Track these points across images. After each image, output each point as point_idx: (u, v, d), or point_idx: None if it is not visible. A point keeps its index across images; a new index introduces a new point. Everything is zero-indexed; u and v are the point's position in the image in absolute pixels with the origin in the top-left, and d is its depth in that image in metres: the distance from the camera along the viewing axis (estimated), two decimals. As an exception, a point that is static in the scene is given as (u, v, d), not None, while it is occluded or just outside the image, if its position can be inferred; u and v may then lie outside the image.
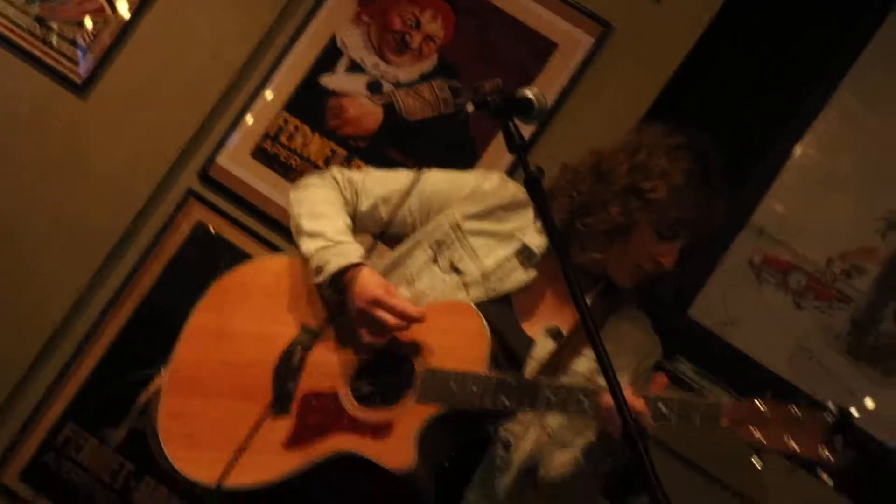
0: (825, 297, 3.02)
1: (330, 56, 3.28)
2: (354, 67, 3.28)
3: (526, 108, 2.09)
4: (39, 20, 3.38)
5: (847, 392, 2.92)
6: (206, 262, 3.26)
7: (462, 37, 3.27)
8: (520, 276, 2.32)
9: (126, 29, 3.35)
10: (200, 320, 2.42)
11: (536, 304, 2.36)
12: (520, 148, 2.06)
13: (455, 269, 2.37)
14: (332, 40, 3.29)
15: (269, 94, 3.30)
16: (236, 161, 3.29)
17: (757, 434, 1.95)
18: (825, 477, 1.90)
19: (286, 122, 3.29)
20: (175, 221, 3.30)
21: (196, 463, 2.24)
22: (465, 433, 2.24)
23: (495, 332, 2.19)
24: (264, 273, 2.46)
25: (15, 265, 3.37)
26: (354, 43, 3.29)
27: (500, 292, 2.30)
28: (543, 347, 2.28)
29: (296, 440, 2.26)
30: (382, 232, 2.49)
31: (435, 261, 2.39)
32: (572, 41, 3.17)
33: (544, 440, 2.29)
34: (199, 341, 2.41)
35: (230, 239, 3.27)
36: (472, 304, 2.24)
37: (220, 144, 3.31)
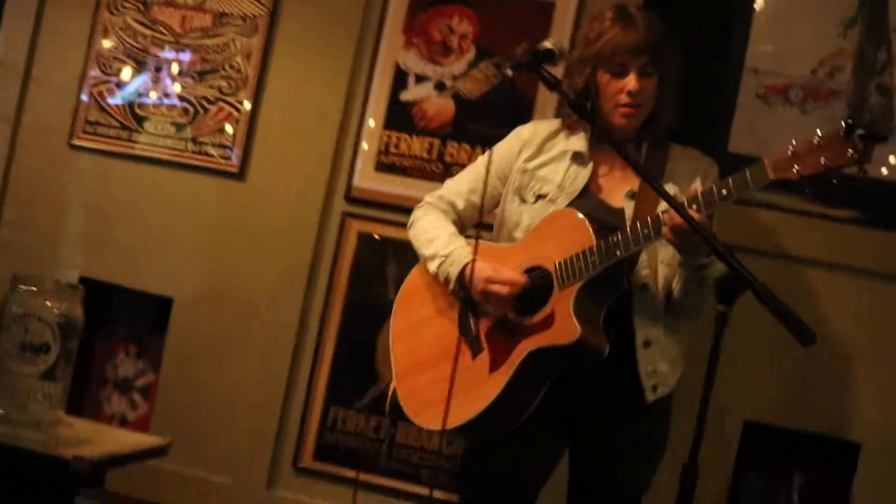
0: (821, 98, 3.23)
1: (400, 78, 3.58)
2: (420, 79, 3.56)
3: (550, 56, 2.34)
4: (193, 140, 3.71)
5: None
6: (376, 259, 3.54)
7: (486, 25, 3.50)
8: (584, 173, 2.51)
9: (252, 119, 3.65)
10: (399, 325, 2.69)
11: (605, 183, 2.53)
12: (556, 86, 2.33)
13: (541, 197, 2.53)
14: (397, 66, 3.58)
15: (371, 122, 3.58)
16: (367, 177, 3.59)
17: (796, 168, 2.11)
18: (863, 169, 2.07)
19: (389, 136, 3.56)
20: (343, 238, 3.59)
21: (442, 417, 2.40)
22: (607, 293, 2.40)
23: (591, 217, 2.38)
24: (421, 277, 2.69)
25: (235, 325, 3.64)
26: (413, 62, 3.58)
27: (578, 190, 2.49)
28: (630, 208, 2.45)
29: (495, 363, 2.46)
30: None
31: (523, 201, 2.55)
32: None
33: (667, 273, 2.44)
34: (404, 338, 2.66)
35: (389, 235, 3.53)
36: (563, 206, 2.45)
37: (352, 171, 3.59)
